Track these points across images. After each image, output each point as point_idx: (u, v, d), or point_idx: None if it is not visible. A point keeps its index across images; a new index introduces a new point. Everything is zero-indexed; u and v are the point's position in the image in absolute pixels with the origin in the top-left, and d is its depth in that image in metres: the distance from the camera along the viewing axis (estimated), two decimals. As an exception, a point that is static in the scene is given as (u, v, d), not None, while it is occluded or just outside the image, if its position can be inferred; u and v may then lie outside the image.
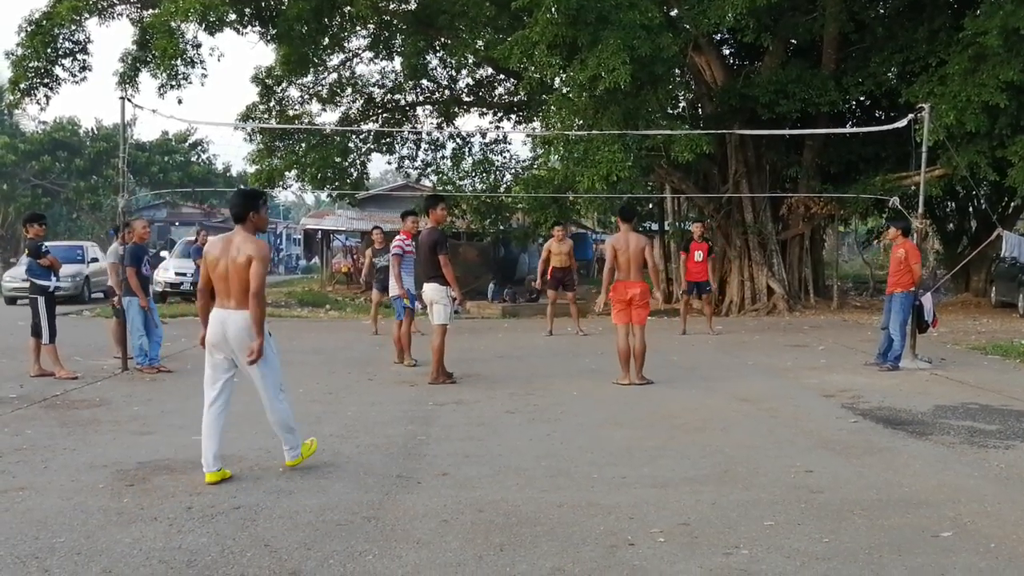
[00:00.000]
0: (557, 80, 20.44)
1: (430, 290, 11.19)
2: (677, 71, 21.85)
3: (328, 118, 28.17)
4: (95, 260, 27.83)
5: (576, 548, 5.11)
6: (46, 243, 12.06)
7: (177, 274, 26.07)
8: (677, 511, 5.82)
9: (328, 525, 5.54)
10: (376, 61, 28.04)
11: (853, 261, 43.92)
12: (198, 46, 22.42)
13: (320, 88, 27.49)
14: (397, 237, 12.86)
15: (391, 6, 24.95)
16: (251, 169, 27.62)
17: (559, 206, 22.71)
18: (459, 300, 11.63)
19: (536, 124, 26.99)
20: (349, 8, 23.56)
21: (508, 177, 28.66)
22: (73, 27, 21.47)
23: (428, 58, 26.89)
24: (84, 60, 22.05)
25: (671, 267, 26.13)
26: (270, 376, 6.70)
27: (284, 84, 26.78)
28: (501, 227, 28.04)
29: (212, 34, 22.78)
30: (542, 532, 5.40)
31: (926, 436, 8.11)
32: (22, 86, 21.32)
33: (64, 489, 6.31)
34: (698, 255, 17.38)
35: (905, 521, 5.62)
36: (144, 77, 22.49)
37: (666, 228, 28.86)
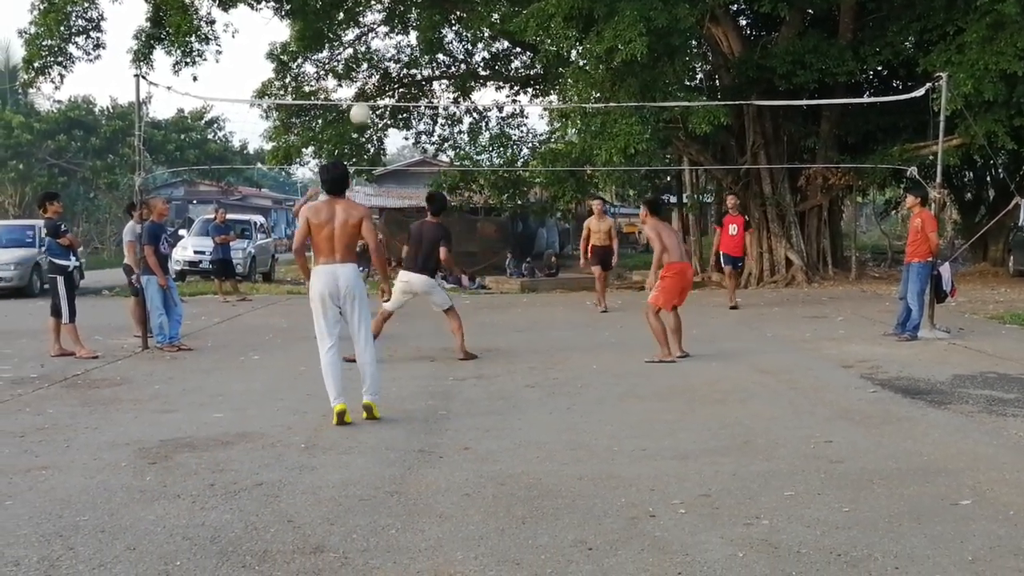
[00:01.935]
0: (574, 53, 20.36)
1: (420, 283, 11.09)
2: (694, 42, 21.70)
3: (344, 94, 28.14)
4: None
5: (598, 520, 5.14)
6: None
7: (196, 252, 25.65)
8: (697, 482, 5.83)
9: (351, 500, 5.56)
10: (392, 35, 28.00)
11: (871, 232, 43.62)
12: (212, 22, 22.49)
13: (336, 64, 27.43)
14: None
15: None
16: (268, 146, 27.65)
17: (577, 180, 22.67)
18: (458, 275, 11.66)
19: (553, 97, 26.94)
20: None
21: (525, 151, 28.63)
22: (86, 4, 21.44)
23: (444, 32, 26.80)
24: (98, 38, 22.04)
25: (689, 239, 26.03)
26: (367, 321, 7.87)
27: (299, 60, 26.70)
28: (519, 202, 27.99)
29: (226, 10, 22.88)
30: (563, 505, 5.42)
31: (945, 405, 8.10)
32: (36, 65, 21.31)
33: (87, 468, 6.35)
34: (732, 228, 16.97)
35: (924, 490, 5.62)
36: (158, 54, 22.55)
37: (684, 201, 28.79)
